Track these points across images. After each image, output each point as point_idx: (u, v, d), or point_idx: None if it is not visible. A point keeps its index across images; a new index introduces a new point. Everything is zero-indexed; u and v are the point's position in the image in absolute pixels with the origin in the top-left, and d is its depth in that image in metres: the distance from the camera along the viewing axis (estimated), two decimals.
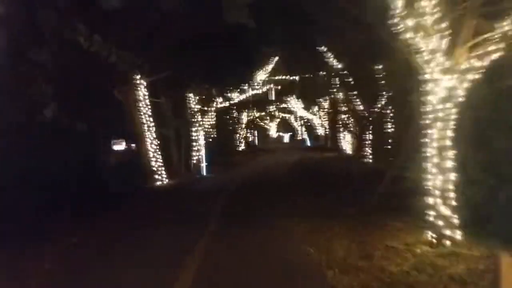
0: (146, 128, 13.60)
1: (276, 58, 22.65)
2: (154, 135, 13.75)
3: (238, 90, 21.84)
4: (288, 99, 35.90)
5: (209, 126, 22.22)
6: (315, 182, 12.27)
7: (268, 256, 5.40)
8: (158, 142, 13.96)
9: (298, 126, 50.49)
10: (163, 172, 13.75)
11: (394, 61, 8.06)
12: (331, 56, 16.29)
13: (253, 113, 35.67)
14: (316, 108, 36.97)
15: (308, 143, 38.23)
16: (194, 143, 16.97)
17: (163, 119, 15.46)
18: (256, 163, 21.34)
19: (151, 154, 13.63)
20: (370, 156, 16.52)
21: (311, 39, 14.25)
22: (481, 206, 2.42)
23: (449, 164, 4.98)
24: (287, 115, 46.70)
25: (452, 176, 4.96)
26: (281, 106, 39.76)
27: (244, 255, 5.52)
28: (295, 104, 37.93)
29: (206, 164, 16.86)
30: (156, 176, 13.61)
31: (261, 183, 13.38)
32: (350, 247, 5.39)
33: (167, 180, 13.79)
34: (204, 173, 15.69)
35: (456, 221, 4.88)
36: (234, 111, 29.80)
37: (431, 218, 5.16)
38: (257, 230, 6.73)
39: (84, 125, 9.35)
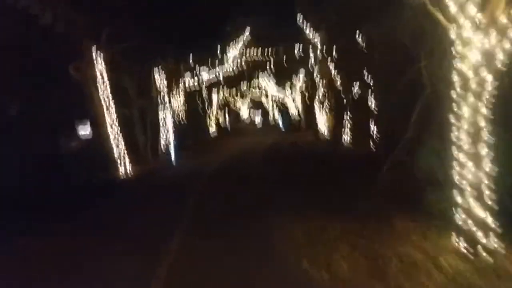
0: (105, 109, 11.99)
1: (248, 30, 21.13)
2: (115, 117, 12.16)
3: (208, 66, 20.26)
4: (260, 78, 34.63)
5: (178, 108, 20.71)
6: (296, 169, 11.15)
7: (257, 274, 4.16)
8: (119, 125, 12.39)
9: (270, 107, 49.41)
10: (127, 160, 12.25)
11: (390, 22, 6.86)
12: (309, 26, 15.04)
13: (224, 94, 34.15)
14: (289, 88, 35.93)
15: (281, 125, 37.18)
16: (162, 126, 15.46)
17: (125, 98, 13.86)
18: (229, 147, 20.02)
19: (111, 140, 12.08)
20: (349, 139, 15.57)
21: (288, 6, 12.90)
22: None
23: (484, 151, 3.90)
24: (258, 96, 45.47)
25: (488, 167, 3.90)
26: (253, 86, 38.51)
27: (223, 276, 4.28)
28: (267, 83, 36.68)
29: (175, 149, 15.46)
30: (119, 165, 12.10)
31: (237, 172, 11.89)
32: (356, 258, 4.27)
33: (131, 170, 12.31)
34: (173, 160, 14.26)
35: (493, 225, 3.84)
36: (204, 92, 28.26)
37: (460, 221, 4.08)
38: (239, 240, 5.25)
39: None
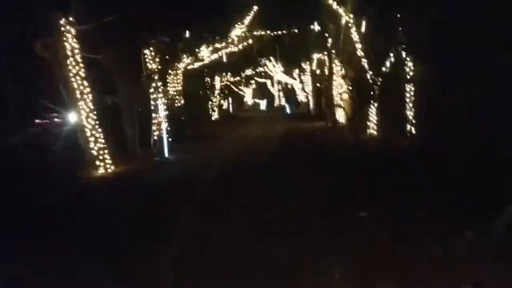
0: (78, 95, 9.67)
1: (256, 8, 18.54)
2: (91, 106, 9.83)
3: (210, 46, 17.79)
4: (267, 61, 32.06)
5: (176, 93, 18.35)
6: (322, 170, 8.80)
7: None
8: (98, 115, 10.09)
9: (276, 92, 46.87)
10: (106, 156, 9.96)
11: None
12: None
13: (226, 78, 31.68)
14: (297, 72, 33.35)
15: (288, 111, 34.74)
16: (154, 115, 13.11)
17: (108, 83, 11.52)
18: (234, 137, 17.67)
19: (88, 132, 9.78)
20: (376, 131, 13.17)
21: None
22: None
23: None
24: (264, 80, 42.91)
25: None
26: (259, 71, 35.95)
27: None
28: (273, 67, 34.13)
29: (170, 140, 13.15)
30: (98, 163, 9.83)
31: (246, 171, 9.38)
32: None
33: (112, 168, 10.03)
34: (167, 154, 11.93)
35: None
36: (205, 75, 25.83)
37: None
38: None
39: None
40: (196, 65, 18.92)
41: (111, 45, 10.94)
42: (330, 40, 16.53)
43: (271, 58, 30.69)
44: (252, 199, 6.49)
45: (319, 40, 18.44)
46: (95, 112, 9.82)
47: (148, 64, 13.09)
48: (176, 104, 17.62)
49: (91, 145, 9.78)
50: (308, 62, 27.02)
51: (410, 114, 10.66)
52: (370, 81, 12.93)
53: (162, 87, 13.61)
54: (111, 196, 7.65)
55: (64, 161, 9.82)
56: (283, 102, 44.28)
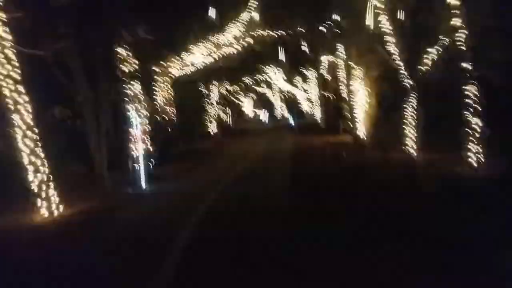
0: (11, 106, 6.79)
1: (255, 4, 15.74)
2: (31, 121, 6.94)
3: (203, 47, 14.98)
4: (267, 67, 29.26)
5: (163, 102, 15.56)
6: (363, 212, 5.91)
7: None
8: (43, 133, 7.20)
9: (278, 102, 44.08)
10: (51, 192, 7.04)
11: None
12: None
13: (224, 86, 28.85)
14: (300, 80, 30.58)
15: (291, 122, 31.87)
16: (130, 130, 10.16)
17: (65, 89, 8.68)
18: (234, 154, 14.72)
19: (25, 159, 6.88)
20: (412, 144, 10.28)
21: None
22: None
23: None
24: (264, 89, 40.12)
25: None
26: (258, 78, 33.13)
27: None
28: (274, 74, 31.36)
29: (152, 163, 10.26)
30: (39, 202, 6.91)
31: (254, 219, 6.21)
32: None
33: (60, 209, 7.10)
34: (143, 183, 8.96)
35: None
36: (200, 82, 23.03)
37: None
38: None
39: None
40: (188, 70, 16.08)
41: (65, 38, 8.10)
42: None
43: (272, 65, 27.86)
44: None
45: (330, 40, 15.66)
46: (33, 132, 6.89)
47: (121, 65, 10.21)
48: (162, 117, 14.78)
49: (30, 177, 6.86)
50: (312, 68, 24.30)
51: (475, 126, 7.80)
52: (407, 84, 10.07)
53: (141, 96, 10.71)
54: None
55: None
56: (285, 113, 41.54)
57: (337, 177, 8.59)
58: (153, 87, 15.31)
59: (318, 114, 26.68)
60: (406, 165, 9.20)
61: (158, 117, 15.32)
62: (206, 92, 25.19)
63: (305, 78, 29.15)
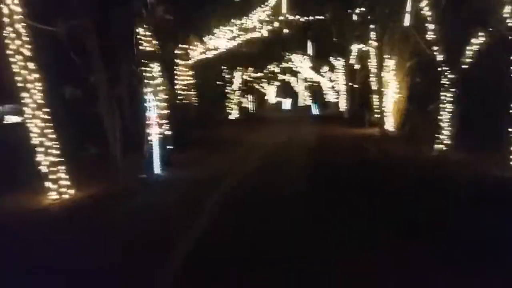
0: (21, 83, 6.49)
1: None
2: (42, 100, 6.64)
3: (226, 30, 14.45)
4: (293, 55, 28.45)
5: (183, 86, 15.17)
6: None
7: None
8: (55, 113, 6.90)
9: (302, 90, 43.17)
10: (62, 175, 6.75)
11: None
12: None
13: (248, 73, 28.25)
14: (326, 68, 29.64)
15: (315, 111, 31.04)
16: (147, 114, 9.79)
17: (79, 67, 8.34)
18: (254, 142, 14.20)
19: (36, 139, 6.60)
20: (447, 140, 9.52)
21: None
22: None
23: None
24: (288, 77, 39.29)
25: None
26: (283, 65, 32.32)
27: None
28: (300, 62, 30.52)
29: (169, 148, 9.91)
30: (48, 185, 6.65)
31: (274, 212, 5.87)
32: None
33: (71, 192, 6.82)
34: (158, 169, 8.61)
35: None
36: (223, 68, 22.57)
37: None
38: None
39: None
40: (211, 54, 15.59)
41: (82, 14, 7.71)
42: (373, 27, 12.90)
43: (298, 52, 27.04)
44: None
45: (362, 27, 14.83)
46: (44, 112, 6.58)
47: (140, 46, 9.80)
48: (182, 101, 14.40)
49: (40, 157, 6.58)
50: (340, 57, 23.37)
51: None
52: (446, 76, 9.26)
53: (160, 78, 10.29)
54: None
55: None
56: (308, 102, 40.57)
57: (366, 175, 7.82)
58: (174, 70, 14.95)
59: (343, 104, 25.82)
60: (441, 163, 8.50)
61: (177, 101, 14.98)
62: (230, 78, 24.71)
63: (332, 67, 28.23)
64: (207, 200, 6.38)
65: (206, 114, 18.15)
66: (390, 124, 13.61)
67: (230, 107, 24.70)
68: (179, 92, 15.33)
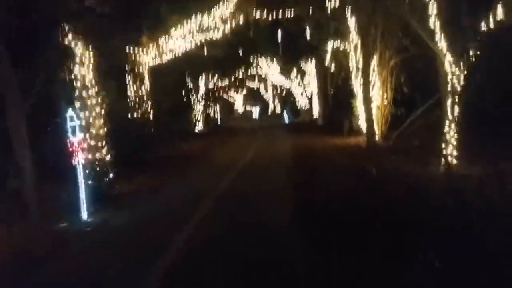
0: None
1: None
2: None
3: (185, 31, 12.39)
4: (261, 59, 26.55)
5: (138, 97, 13.01)
6: None
7: None
8: None
9: (271, 97, 41.53)
10: None
11: None
12: None
13: (213, 80, 26.15)
14: (300, 72, 27.94)
15: (286, 120, 29.37)
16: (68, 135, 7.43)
17: None
18: (223, 161, 11.96)
19: None
20: (452, 152, 7.74)
21: None
22: None
23: None
24: (257, 84, 37.43)
25: None
26: (250, 72, 30.40)
27: None
28: (268, 68, 28.70)
29: (109, 178, 7.68)
30: None
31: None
32: None
33: None
34: (85, 214, 6.26)
35: None
36: (186, 75, 20.48)
37: None
38: None
39: None
40: (166, 58, 13.42)
41: None
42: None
43: (266, 55, 25.11)
44: None
45: (337, 22, 13.06)
46: None
47: (67, 46, 7.55)
48: (131, 114, 12.22)
49: None
50: (313, 58, 21.66)
51: None
52: (448, 72, 7.51)
53: (95, 88, 8.02)
54: None
55: None
56: (278, 109, 38.96)
57: (375, 212, 5.57)
58: (125, 78, 12.76)
59: (316, 111, 24.15)
60: (453, 184, 6.66)
61: (129, 114, 12.76)
62: (192, 86, 22.57)
63: (303, 71, 26.62)
64: (151, 271, 4.18)
65: (166, 128, 15.91)
66: (375, 133, 11.85)
67: (194, 119, 22.49)
68: (132, 103, 13.16)
